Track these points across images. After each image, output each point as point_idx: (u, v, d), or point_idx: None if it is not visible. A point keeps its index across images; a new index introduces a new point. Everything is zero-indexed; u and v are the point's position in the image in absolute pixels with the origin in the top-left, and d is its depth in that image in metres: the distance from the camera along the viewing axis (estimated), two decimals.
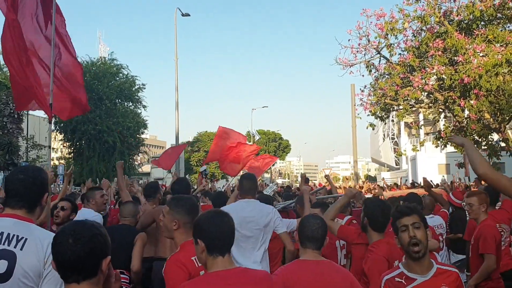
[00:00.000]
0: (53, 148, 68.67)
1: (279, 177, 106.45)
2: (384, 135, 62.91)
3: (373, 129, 14.99)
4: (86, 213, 5.16)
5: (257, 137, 56.57)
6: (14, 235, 2.43)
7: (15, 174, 2.67)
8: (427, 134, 48.65)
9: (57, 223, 4.81)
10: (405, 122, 47.46)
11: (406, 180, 41.35)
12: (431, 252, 4.44)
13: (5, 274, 2.34)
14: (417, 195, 6.13)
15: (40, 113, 35.34)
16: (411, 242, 2.88)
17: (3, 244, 2.40)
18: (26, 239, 2.42)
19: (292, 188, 16.41)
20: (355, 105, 18.20)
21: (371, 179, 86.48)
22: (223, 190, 11.94)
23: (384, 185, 22.53)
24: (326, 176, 11.90)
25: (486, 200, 4.89)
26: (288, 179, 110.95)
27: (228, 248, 2.56)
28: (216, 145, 12.66)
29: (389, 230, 3.62)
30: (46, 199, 2.69)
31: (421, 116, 33.59)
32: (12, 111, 23.91)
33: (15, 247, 2.40)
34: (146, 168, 59.21)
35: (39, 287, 2.39)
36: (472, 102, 11.34)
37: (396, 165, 62.84)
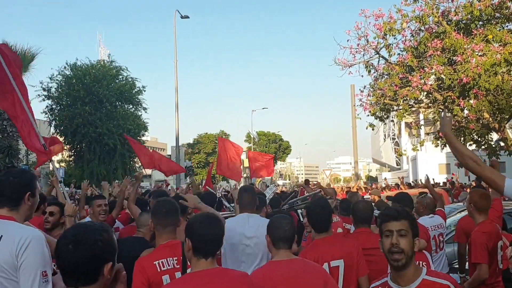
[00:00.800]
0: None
1: (280, 178, 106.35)
2: (384, 136, 62.90)
3: (373, 129, 14.99)
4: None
5: (256, 139, 56.63)
6: None
7: (3, 176, 2.90)
8: (427, 134, 48.67)
9: (48, 229, 4.72)
10: (405, 122, 47.45)
11: (404, 179, 41.37)
12: (423, 254, 4.42)
13: None
14: (407, 195, 5.97)
15: (40, 116, 35.42)
16: (392, 249, 2.61)
17: None
18: (1, 236, 2.62)
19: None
20: (354, 105, 18.21)
21: (372, 179, 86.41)
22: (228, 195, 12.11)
23: (385, 185, 22.55)
24: (317, 183, 11.92)
25: (474, 200, 4.83)
26: (289, 180, 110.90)
27: (212, 252, 2.67)
28: (221, 158, 13.29)
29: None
30: (28, 198, 2.87)
31: (421, 116, 33.66)
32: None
33: None
34: (147, 170, 59.26)
35: (18, 278, 2.56)
36: (471, 101, 11.34)
37: (397, 165, 62.83)
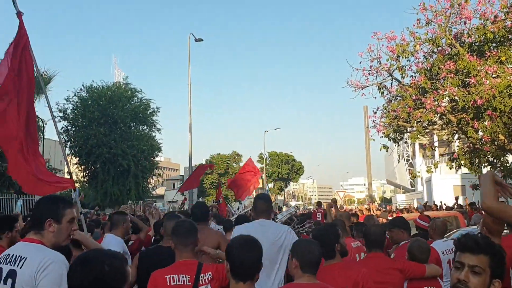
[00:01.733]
0: (68, 172, 69.20)
1: (293, 200, 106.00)
2: (399, 157, 62.48)
3: (387, 151, 14.93)
4: (111, 239, 5.20)
5: (267, 158, 56.60)
6: (18, 255, 2.79)
7: (37, 201, 3.10)
8: (441, 155, 48.29)
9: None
10: (419, 144, 47.15)
11: (422, 201, 40.91)
12: (437, 280, 4.37)
13: None
14: (403, 219, 5.84)
15: (56, 137, 35.87)
16: (456, 285, 2.23)
17: (11, 264, 2.77)
18: (26, 258, 2.77)
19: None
20: (368, 127, 18.18)
21: (386, 201, 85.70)
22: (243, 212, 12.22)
23: (395, 208, 22.23)
24: (331, 200, 11.84)
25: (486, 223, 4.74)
26: (302, 201, 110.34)
27: (251, 276, 2.78)
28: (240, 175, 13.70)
29: None
30: (50, 224, 2.93)
31: (435, 137, 33.46)
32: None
33: (17, 266, 2.75)
34: (160, 190, 59.44)
35: None
36: (486, 123, 11.26)
37: (412, 186, 62.23)
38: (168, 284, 3.35)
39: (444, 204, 24.89)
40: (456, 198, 20.98)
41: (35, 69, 5.50)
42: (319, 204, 16.06)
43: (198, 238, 3.70)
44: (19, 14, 5.46)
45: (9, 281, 2.71)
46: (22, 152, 5.08)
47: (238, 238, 2.98)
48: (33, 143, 5.30)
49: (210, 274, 3.47)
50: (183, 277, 3.42)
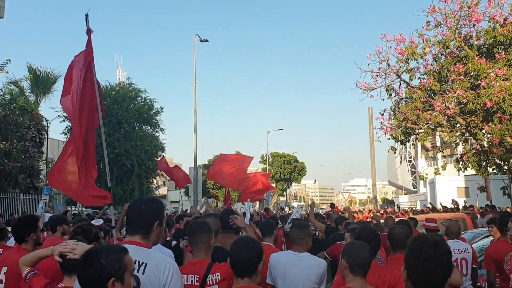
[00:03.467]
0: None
1: (295, 200, 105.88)
2: (401, 158, 62.41)
3: (395, 152, 14.96)
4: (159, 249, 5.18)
5: (270, 159, 56.52)
6: (135, 260, 2.65)
7: (134, 203, 3.02)
8: (444, 157, 48.24)
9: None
10: (421, 145, 47.11)
11: (425, 203, 40.88)
12: None
13: None
14: (370, 227, 5.88)
15: (60, 137, 35.94)
16: None
17: None
18: (146, 264, 2.71)
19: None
20: (374, 128, 18.17)
21: (388, 202, 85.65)
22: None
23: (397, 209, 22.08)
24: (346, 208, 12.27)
25: None
26: (304, 202, 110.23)
27: (247, 273, 3.02)
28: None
29: None
30: (157, 227, 2.90)
31: (437, 138, 33.39)
32: (34, 135, 24.29)
33: (137, 271, 2.65)
34: (162, 190, 59.43)
35: None
36: (496, 126, 11.26)
37: (414, 188, 62.21)
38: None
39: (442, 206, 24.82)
40: (456, 203, 20.92)
41: (96, 89, 5.69)
42: (332, 205, 16.08)
43: (211, 237, 3.70)
44: (88, 31, 5.65)
45: None
46: (77, 164, 5.49)
47: (241, 238, 3.30)
48: (89, 159, 5.67)
49: (218, 275, 3.49)
50: (191, 277, 3.49)
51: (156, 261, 2.74)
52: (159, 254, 2.91)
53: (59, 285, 3.19)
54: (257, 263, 3.04)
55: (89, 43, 5.62)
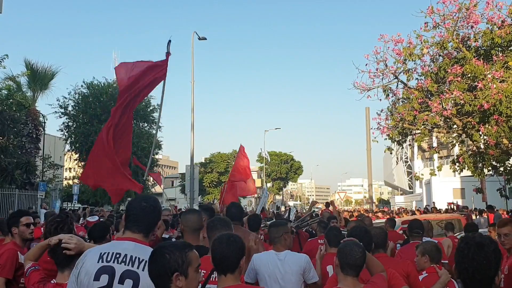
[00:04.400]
0: (68, 168, 69.14)
1: (291, 199, 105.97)
2: (397, 159, 62.58)
3: (391, 153, 14.97)
4: None
5: (268, 158, 56.51)
6: (136, 257, 2.73)
7: (138, 201, 3.00)
8: (440, 158, 48.34)
9: (31, 239, 4.71)
10: (418, 146, 47.21)
11: (421, 203, 40.97)
12: (451, 281, 4.43)
13: None
14: (361, 228, 6.02)
15: (56, 133, 35.86)
16: None
17: (127, 265, 2.71)
18: (146, 261, 2.65)
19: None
20: (371, 128, 18.20)
21: (384, 202, 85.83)
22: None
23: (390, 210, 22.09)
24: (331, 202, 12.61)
25: None
26: (300, 201, 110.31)
27: (229, 269, 2.96)
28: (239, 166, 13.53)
29: None
30: (159, 226, 3.14)
31: (434, 139, 33.44)
32: (30, 131, 24.25)
33: (137, 268, 2.69)
34: (158, 188, 59.34)
35: None
36: (492, 127, 11.29)
37: (410, 188, 62.36)
38: None
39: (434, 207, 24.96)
40: (451, 203, 21.10)
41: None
42: (327, 205, 16.09)
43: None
44: (167, 54, 6.52)
45: (129, 282, 2.67)
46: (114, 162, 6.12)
47: (222, 234, 3.15)
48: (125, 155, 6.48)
49: None
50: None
51: None
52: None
53: (52, 281, 3.22)
54: (239, 259, 3.00)
55: (164, 65, 6.32)
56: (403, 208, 26.15)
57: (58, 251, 3.17)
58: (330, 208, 13.73)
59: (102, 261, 2.72)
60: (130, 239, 2.84)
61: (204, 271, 3.46)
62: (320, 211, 13.99)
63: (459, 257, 2.48)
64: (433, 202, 25.80)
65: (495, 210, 18.96)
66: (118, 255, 2.73)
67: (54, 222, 4.02)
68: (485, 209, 18.85)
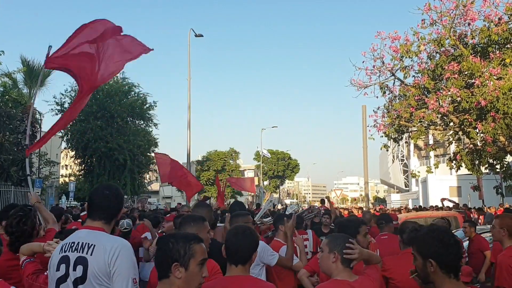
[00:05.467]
0: (64, 165, 68.98)
1: (287, 197, 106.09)
2: (393, 157, 62.66)
3: (387, 150, 14.98)
4: None
5: (268, 156, 56.49)
6: (85, 243, 2.81)
7: (100, 190, 3.04)
8: (437, 156, 48.46)
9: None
10: (414, 144, 47.29)
11: (417, 201, 41.04)
12: None
13: (82, 277, 2.74)
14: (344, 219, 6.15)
15: None
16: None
17: (79, 252, 2.79)
18: (94, 245, 2.79)
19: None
20: (368, 126, 18.22)
21: (380, 200, 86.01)
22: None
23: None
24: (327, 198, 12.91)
25: (508, 225, 4.78)
26: (297, 199, 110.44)
27: (241, 260, 3.00)
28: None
29: None
30: (120, 213, 3.08)
31: (430, 137, 33.49)
32: (26, 128, 24.15)
33: (86, 253, 2.78)
34: (155, 186, 59.31)
35: (111, 285, 2.74)
36: (490, 124, 11.30)
37: (406, 187, 62.48)
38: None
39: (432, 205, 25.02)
40: (442, 200, 21.12)
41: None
42: (322, 201, 16.14)
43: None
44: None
45: (80, 268, 2.74)
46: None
47: (236, 226, 3.24)
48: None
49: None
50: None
51: (103, 242, 2.81)
52: (111, 237, 2.92)
53: (45, 273, 3.26)
54: (252, 252, 3.03)
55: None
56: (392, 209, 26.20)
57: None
58: (326, 204, 13.76)
59: (62, 252, 2.84)
60: (87, 227, 2.93)
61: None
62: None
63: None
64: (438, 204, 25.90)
65: (485, 210, 19.08)
66: (72, 244, 2.83)
67: (17, 216, 3.94)
68: (477, 210, 18.98)
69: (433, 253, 2.66)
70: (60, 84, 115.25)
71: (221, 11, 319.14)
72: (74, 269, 2.75)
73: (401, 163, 63.82)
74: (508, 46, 12.20)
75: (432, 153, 44.08)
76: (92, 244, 2.79)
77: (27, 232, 3.91)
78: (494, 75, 11.07)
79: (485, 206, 20.82)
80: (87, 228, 2.93)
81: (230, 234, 3.09)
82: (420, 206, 25.62)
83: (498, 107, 10.86)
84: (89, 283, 2.72)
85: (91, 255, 2.76)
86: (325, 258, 3.17)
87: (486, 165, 13.50)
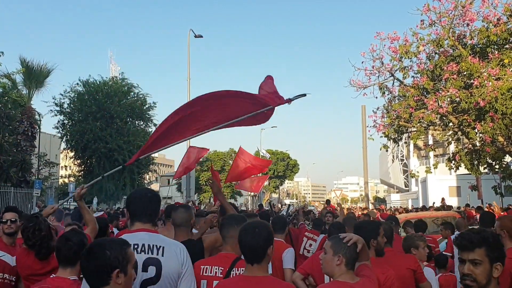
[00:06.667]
0: (64, 166, 68.96)
1: (287, 198, 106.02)
2: (393, 157, 62.65)
3: (387, 150, 15.00)
4: None
5: (267, 156, 56.38)
6: (153, 245, 2.90)
7: (143, 193, 3.15)
8: (436, 156, 48.46)
9: (10, 234, 4.68)
10: (414, 144, 47.28)
11: (416, 201, 41.08)
12: None
13: (155, 277, 2.83)
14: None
15: (52, 131, 35.74)
16: (463, 277, 2.57)
17: (147, 253, 2.86)
18: (163, 247, 2.90)
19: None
20: (367, 126, 18.24)
21: (380, 200, 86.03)
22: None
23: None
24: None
25: (508, 226, 4.77)
26: (296, 199, 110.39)
27: (256, 258, 2.92)
28: (236, 166, 12.88)
29: None
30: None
31: (429, 137, 33.48)
32: (26, 128, 24.14)
33: (157, 254, 2.86)
34: (154, 186, 59.29)
35: (178, 286, 2.90)
36: (489, 125, 11.32)
37: (405, 187, 62.46)
38: (200, 274, 3.47)
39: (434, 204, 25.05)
40: (442, 199, 21.16)
41: None
42: (327, 202, 16.19)
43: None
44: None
45: (152, 268, 2.83)
46: None
47: (247, 224, 3.14)
48: None
49: (243, 270, 3.49)
50: (215, 268, 3.52)
51: (171, 244, 2.97)
52: (171, 239, 3.08)
53: (52, 275, 3.29)
54: (265, 248, 2.93)
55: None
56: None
57: (63, 248, 3.30)
58: (335, 204, 13.79)
59: None
60: (142, 230, 2.98)
61: (222, 268, 3.49)
62: (317, 210, 14.04)
63: None
64: (434, 203, 25.93)
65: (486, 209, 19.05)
66: (136, 246, 2.87)
67: (29, 227, 4.00)
68: (476, 209, 18.98)
69: (502, 257, 2.55)
70: (60, 85, 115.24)
71: (221, 11, 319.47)
72: (145, 270, 2.81)
73: (401, 163, 63.81)
74: (507, 46, 12.22)
75: (431, 153, 44.07)
76: (160, 246, 2.90)
77: (47, 236, 4.00)
78: (493, 76, 11.08)
79: (487, 203, 20.84)
80: (142, 231, 2.98)
81: (241, 232, 3.03)
82: (424, 206, 25.57)
83: (496, 108, 10.88)
84: (162, 283, 2.83)
85: (162, 256, 2.86)
86: (329, 261, 3.18)
87: (485, 165, 13.53)
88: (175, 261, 2.90)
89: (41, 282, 3.40)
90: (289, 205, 16.98)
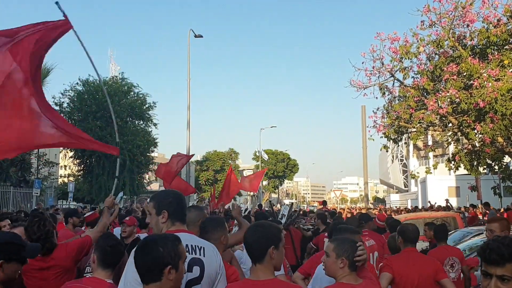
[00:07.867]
0: (63, 165, 68.92)
1: (286, 197, 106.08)
2: (393, 157, 62.71)
3: (387, 151, 15.01)
4: None
5: (265, 158, 56.46)
6: (195, 245, 2.97)
7: (181, 195, 3.22)
8: (436, 156, 48.53)
9: None
10: (413, 144, 47.31)
11: (416, 201, 41.09)
12: None
13: (199, 278, 2.89)
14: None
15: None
16: None
17: (191, 253, 2.90)
18: (203, 247, 2.98)
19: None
20: (367, 126, 18.24)
21: (379, 201, 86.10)
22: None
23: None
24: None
25: (508, 227, 4.80)
26: (296, 199, 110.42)
27: (256, 258, 2.82)
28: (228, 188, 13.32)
29: None
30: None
31: (429, 138, 33.54)
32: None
33: (200, 254, 2.94)
34: (154, 186, 59.27)
35: (215, 285, 2.97)
36: (488, 125, 11.33)
37: (405, 187, 62.53)
38: None
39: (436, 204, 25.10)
40: (447, 201, 21.22)
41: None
42: (324, 203, 16.21)
43: (222, 234, 3.66)
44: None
45: (196, 268, 2.88)
46: None
47: (255, 223, 3.14)
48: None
49: None
50: None
51: (209, 245, 3.05)
52: (205, 240, 3.13)
53: (85, 275, 3.37)
54: (264, 247, 2.80)
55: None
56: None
57: (108, 250, 3.41)
58: (340, 203, 13.79)
59: None
60: (183, 230, 3.02)
61: None
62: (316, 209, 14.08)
63: None
64: (429, 202, 25.96)
65: (491, 208, 19.10)
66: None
67: (35, 222, 4.12)
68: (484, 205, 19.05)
69: None
70: (59, 84, 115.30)
71: (221, 11, 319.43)
72: (190, 270, 2.84)
73: (401, 163, 63.91)
74: (507, 47, 12.22)
75: (431, 154, 44.13)
76: (201, 246, 2.98)
77: (50, 231, 4.12)
78: (493, 77, 11.09)
79: (471, 204, 20.96)
80: (182, 231, 2.98)
81: (247, 231, 2.98)
82: (423, 206, 25.63)
83: (496, 109, 10.88)
84: (203, 283, 2.89)
85: (204, 256, 2.94)
86: (332, 264, 3.19)
87: (485, 166, 13.53)
88: (215, 261, 2.98)
89: (75, 280, 3.44)
90: (292, 203, 17.00)
